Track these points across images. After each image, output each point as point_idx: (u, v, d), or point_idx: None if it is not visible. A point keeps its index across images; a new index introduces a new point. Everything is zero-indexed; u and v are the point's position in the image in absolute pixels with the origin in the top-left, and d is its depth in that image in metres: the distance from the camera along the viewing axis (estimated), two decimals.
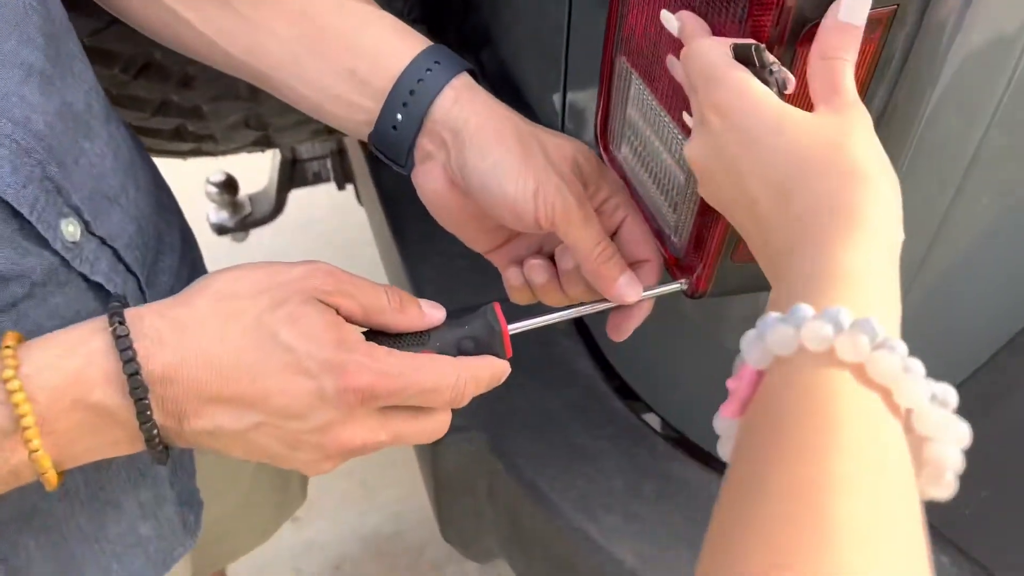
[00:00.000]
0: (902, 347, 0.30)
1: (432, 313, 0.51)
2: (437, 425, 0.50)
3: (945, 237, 0.54)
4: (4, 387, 0.41)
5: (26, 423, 0.41)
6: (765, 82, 0.42)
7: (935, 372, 0.31)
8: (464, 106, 0.53)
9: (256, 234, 1.81)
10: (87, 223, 0.51)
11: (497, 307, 0.52)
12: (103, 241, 0.53)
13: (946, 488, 0.30)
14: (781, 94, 0.42)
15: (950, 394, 0.30)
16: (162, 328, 0.44)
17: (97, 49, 0.92)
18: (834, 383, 0.31)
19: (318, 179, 1.74)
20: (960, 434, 0.30)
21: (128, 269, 0.56)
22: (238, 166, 1.66)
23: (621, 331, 0.57)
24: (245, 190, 1.74)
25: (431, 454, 0.84)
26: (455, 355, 0.51)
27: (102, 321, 0.44)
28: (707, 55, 0.43)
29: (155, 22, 0.57)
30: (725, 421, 0.35)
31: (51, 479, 0.44)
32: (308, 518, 1.63)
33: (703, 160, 0.43)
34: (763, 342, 0.33)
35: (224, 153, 1.28)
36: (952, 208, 0.52)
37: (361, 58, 0.54)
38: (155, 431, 0.44)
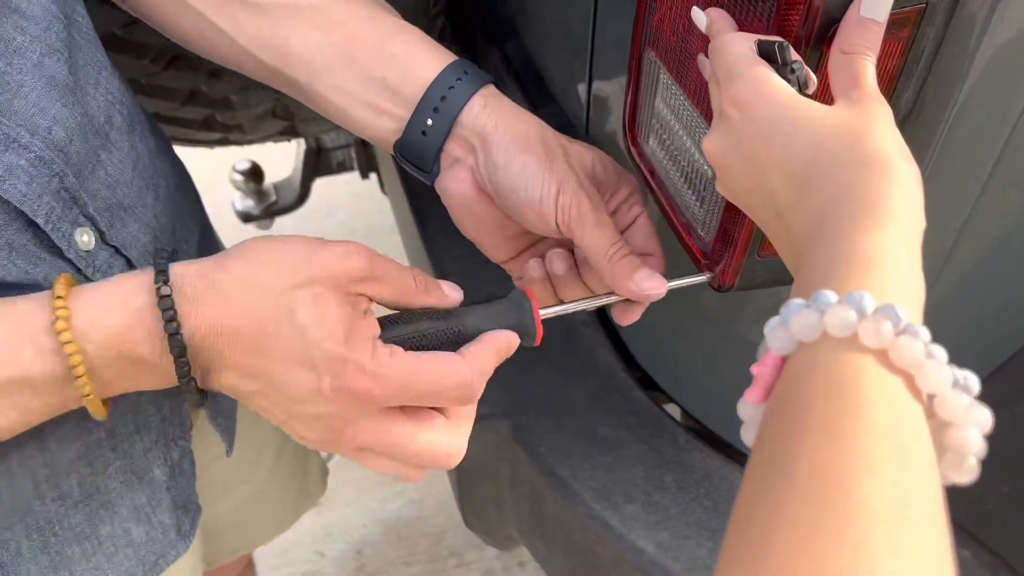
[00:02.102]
0: (925, 333, 0.31)
1: (451, 294, 0.53)
2: (453, 448, 0.51)
3: (971, 231, 0.54)
4: (57, 338, 0.43)
5: (78, 372, 0.44)
6: (786, 80, 0.42)
7: (960, 366, 0.31)
8: (492, 112, 0.55)
9: (280, 222, 1.83)
10: (102, 233, 0.52)
11: (529, 292, 0.53)
12: (117, 250, 0.54)
13: (968, 473, 0.31)
14: (801, 92, 0.42)
15: (972, 380, 0.31)
16: (200, 290, 0.45)
17: (129, 41, 0.93)
18: (858, 368, 0.31)
19: (342, 168, 1.76)
20: (982, 419, 0.30)
21: None
22: (263, 154, 1.68)
23: (627, 316, 0.58)
24: (270, 178, 1.76)
25: None
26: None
27: (148, 276, 0.45)
28: (730, 50, 0.44)
29: (189, 30, 0.58)
30: (749, 407, 0.35)
31: (101, 416, 0.47)
32: (330, 503, 1.65)
33: (722, 154, 0.44)
34: (787, 328, 0.33)
35: (251, 142, 1.30)
36: (979, 203, 0.52)
37: (392, 67, 0.55)
38: (193, 382, 0.47)
